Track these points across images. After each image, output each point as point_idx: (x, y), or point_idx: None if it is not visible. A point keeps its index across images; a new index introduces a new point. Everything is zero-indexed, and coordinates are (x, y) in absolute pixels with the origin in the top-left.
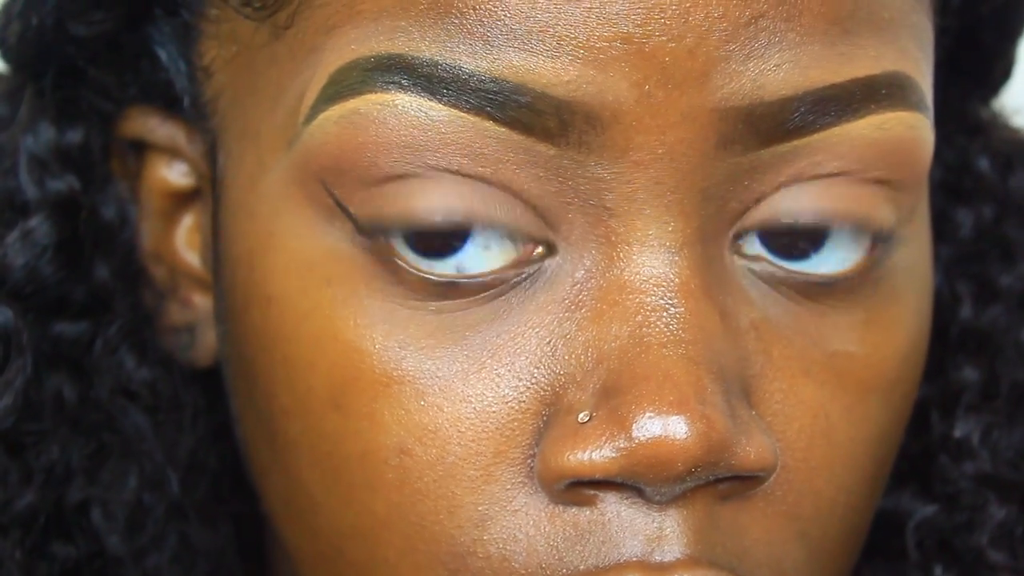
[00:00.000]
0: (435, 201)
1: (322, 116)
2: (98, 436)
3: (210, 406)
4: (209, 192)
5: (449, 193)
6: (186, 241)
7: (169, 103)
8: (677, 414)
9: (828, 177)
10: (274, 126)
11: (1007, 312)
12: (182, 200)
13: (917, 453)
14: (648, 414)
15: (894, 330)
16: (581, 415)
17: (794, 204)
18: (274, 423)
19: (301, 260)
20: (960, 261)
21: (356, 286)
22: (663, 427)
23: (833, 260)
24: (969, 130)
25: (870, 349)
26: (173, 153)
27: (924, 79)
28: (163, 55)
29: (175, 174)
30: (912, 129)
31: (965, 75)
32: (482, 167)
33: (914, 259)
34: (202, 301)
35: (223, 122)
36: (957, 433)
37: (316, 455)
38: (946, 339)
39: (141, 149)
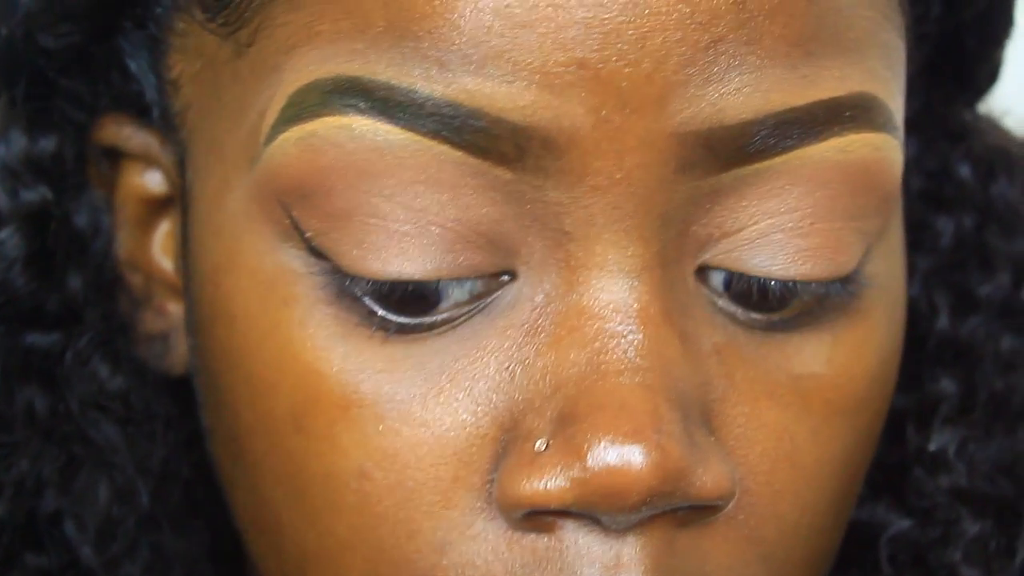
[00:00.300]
0: (392, 265)
1: (282, 137)
2: (69, 448)
3: (183, 414)
4: (180, 184)
5: (407, 254)
6: (162, 248)
7: (142, 112)
8: (632, 444)
9: (796, 229)
10: (237, 143)
11: (986, 323)
12: (157, 207)
13: (892, 465)
14: (603, 444)
15: (863, 350)
16: (538, 443)
17: (762, 261)
18: (240, 441)
19: (261, 279)
20: (939, 271)
21: (313, 308)
22: (618, 457)
23: (798, 303)
24: (951, 136)
25: (838, 370)
26: (148, 161)
27: (892, 98)
28: (133, 67)
29: (150, 181)
30: (877, 151)
31: (949, 80)
32: (439, 192)
33: (885, 276)
34: (176, 309)
35: (191, 135)
36: (933, 446)
37: (280, 475)
38: (923, 350)
39: (115, 157)
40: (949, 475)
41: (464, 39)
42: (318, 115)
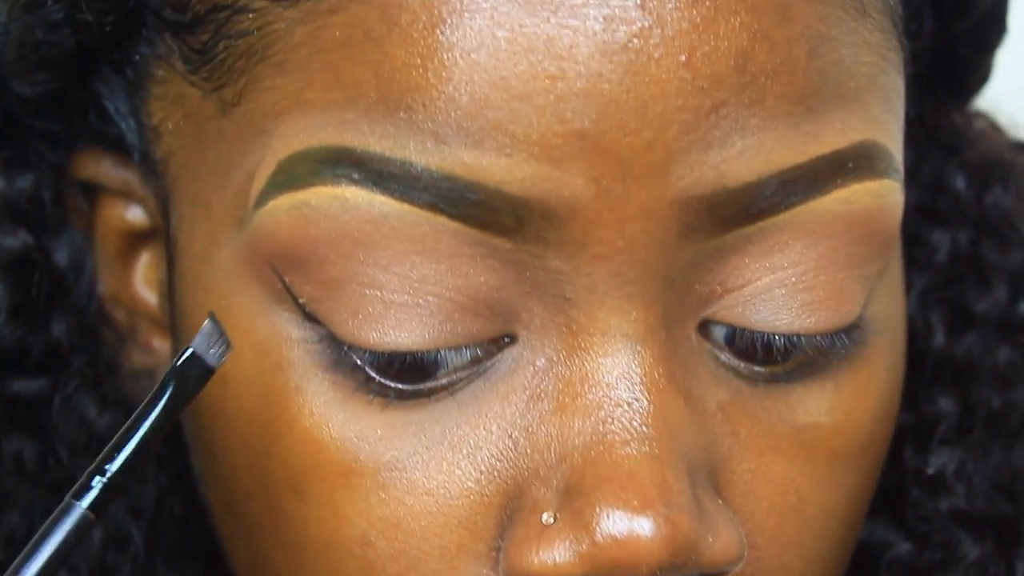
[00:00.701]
0: (389, 336)
1: (272, 203)
2: (60, 496)
3: (173, 450)
4: (164, 236)
5: (404, 325)
6: (144, 280)
7: (120, 147)
8: (641, 517)
9: (799, 283)
10: (224, 201)
11: (983, 339)
12: (138, 239)
13: (891, 487)
14: (612, 518)
15: (865, 394)
16: (545, 516)
17: (766, 316)
18: (238, 500)
19: (254, 341)
20: (935, 288)
21: (309, 374)
22: (627, 531)
23: (802, 355)
24: (945, 146)
25: (841, 417)
26: (127, 195)
27: (893, 140)
28: (111, 109)
29: (130, 215)
30: (879, 198)
31: (941, 86)
32: (436, 262)
33: (886, 315)
34: (162, 346)
35: (174, 184)
36: (931, 468)
37: (280, 537)
38: (920, 369)
39: (94, 191)
40: (948, 498)
41: (460, 112)
42: (310, 184)
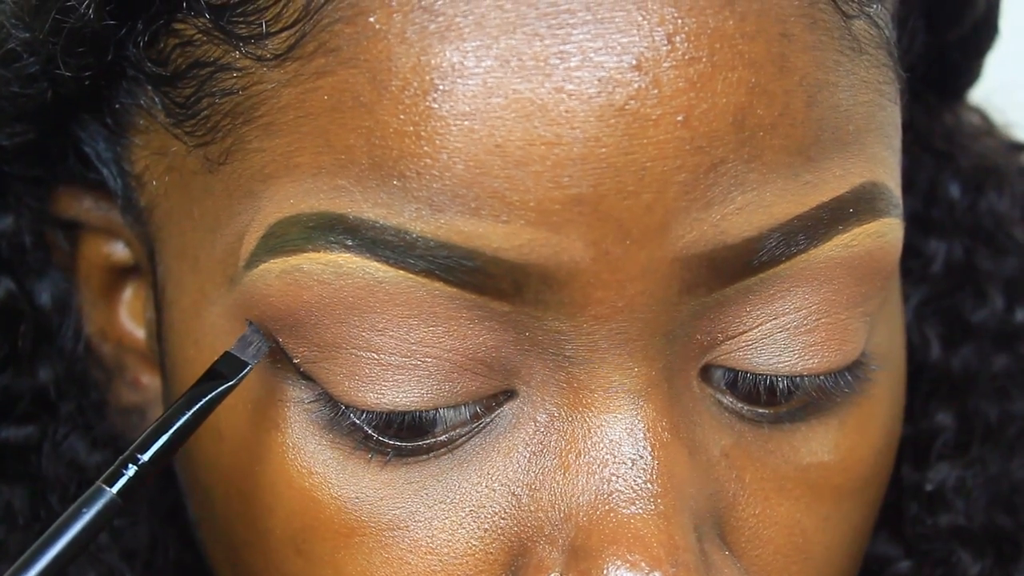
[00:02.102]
0: (387, 397)
1: (263, 267)
2: None
3: (165, 487)
4: (150, 279)
5: (402, 386)
6: (129, 314)
7: (101, 187)
8: None
9: (801, 327)
10: (213, 258)
11: (979, 350)
12: (121, 274)
13: (891, 503)
14: None
15: (868, 427)
16: None
17: (768, 359)
18: (236, 551)
19: (248, 400)
20: (931, 300)
21: (305, 433)
22: None
23: (804, 395)
24: (938, 152)
25: (845, 454)
26: (109, 232)
27: (892, 175)
28: (92, 155)
29: (113, 251)
30: (880, 238)
31: (932, 91)
32: (433, 325)
33: (886, 344)
34: (151, 382)
35: (159, 234)
36: (930, 485)
37: None
38: (917, 383)
39: (75, 229)
40: (948, 514)
41: (456, 180)
42: (302, 250)
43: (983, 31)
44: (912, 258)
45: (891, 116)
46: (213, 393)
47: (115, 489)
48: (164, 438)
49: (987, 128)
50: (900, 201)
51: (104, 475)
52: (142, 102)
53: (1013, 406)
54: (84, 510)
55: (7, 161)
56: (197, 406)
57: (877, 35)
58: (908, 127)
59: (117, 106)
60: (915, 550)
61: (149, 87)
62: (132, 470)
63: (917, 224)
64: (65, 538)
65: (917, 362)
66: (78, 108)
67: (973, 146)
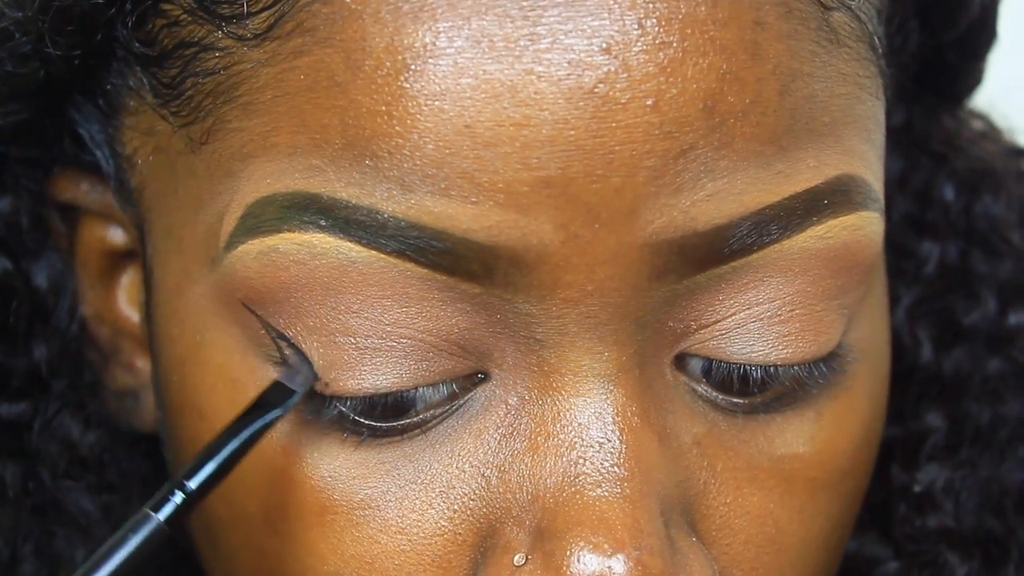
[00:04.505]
0: (366, 381)
1: (241, 248)
2: (43, 519)
3: (159, 470)
4: (143, 261)
5: (379, 369)
6: (127, 299)
7: (98, 171)
8: (612, 560)
9: (775, 317)
10: (196, 238)
11: (971, 353)
12: (120, 259)
13: (880, 503)
14: (582, 562)
15: (846, 421)
16: (517, 557)
17: (741, 348)
18: (215, 531)
19: (228, 378)
20: (923, 302)
21: None
22: (599, 574)
23: (779, 386)
24: (935, 154)
25: (821, 446)
26: (107, 216)
27: (871, 169)
28: (86, 136)
29: (111, 235)
30: (856, 231)
31: (931, 93)
32: (406, 306)
33: (867, 339)
34: (144, 365)
35: (148, 215)
36: (919, 486)
37: (257, 570)
38: (908, 384)
39: (74, 213)
40: (936, 515)
41: (426, 160)
42: (278, 230)
43: (980, 33)
44: (905, 259)
45: (871, 110)
46: (261, 421)
47: (162, 517)
48: (211, 466)
49: (989, 133)
50: (880, 196)
51: (150, 501)
52: (131, 83)
53: (1005, 409)
54: (130, 535)
55: (3, 141)
56: (246, 434)
57: (858, 28)
58: (907, 129)
59: (108, 87)
60: (903, 551)
61: (138, 68)
62: (179, 497)
63: (911, 225)
64: (110, 564)
65: (908, 363)
66: (71, 89)
67: (971, 150)
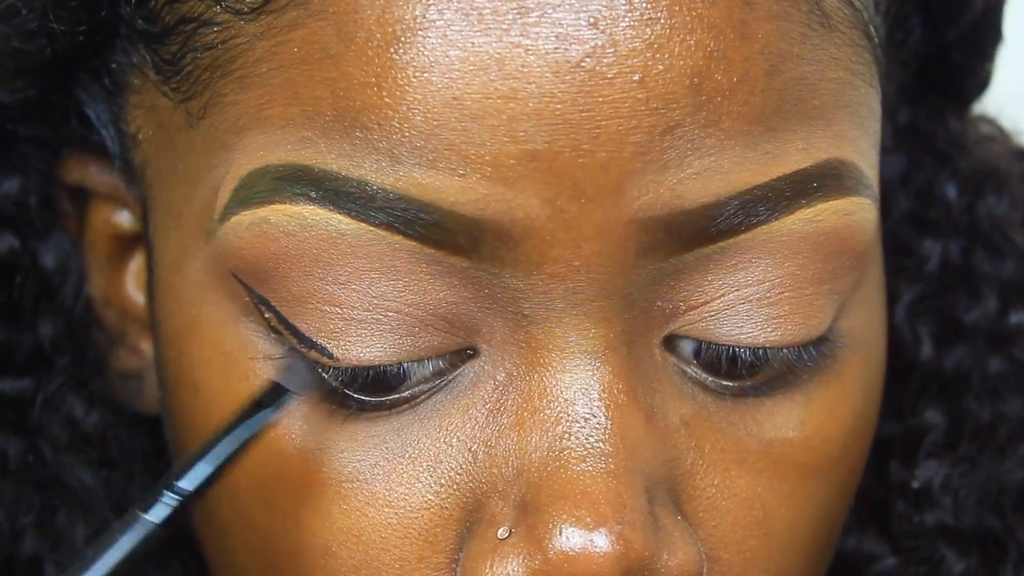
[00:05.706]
0: (352, 352)
1: (234, 219)
2: (45, 493)
3: (161, 450)
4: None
5: (366, 341)
6: (136, 283)
7: (105, 153)
8: (595, 534)
9: (764, 299)
10: (193, 212)
11: (972, 351)
12: (128, 242)
13: (878, 500)
14: (564, 535)
15: (838, 408)
16: (500, 530)
17: (730, 330)
18: (208, 505)
19: (222, 352)
20: (924, 299)
21: None
22: (580, 548)
23: (769, 369)
24: (939, 154)
25: (811, 432)
26: (116, 199)
27: (863, 156)
28: (92, 116)
29: (120, 219)
30: (847, 216)
31: (936, 93)
32: (394, 279)
33: (860, 328)
34: (149, 348)
35: (150, 192)
36: (917, 482)
37: (249, 544)
38: (908, 381)
39: (83, 196)
40: (934, 512)
41: (415, 132)
42: (269, 202)
43: (984, 32)
44: (907, 256)
45: (864, 97)
46: (256, 423)
47: (155, 518)
48: (203, 467)
49: (997, 136)
50: (873, 183)
51: (139, 501)
52: (135, 61)
53: (1005, 408)
54: (120, 536)
55: (11, 119)
56: (242, 435)
57: (852, 15)
58: (912, 128)
59: (113, 65)
60: (901, 547)
61: (140, 45)
62: (169, 498)
63: (913, 223)
64: (100, 566)
65: (908, 359)
66: (77, 67)
67: (977, 151)
